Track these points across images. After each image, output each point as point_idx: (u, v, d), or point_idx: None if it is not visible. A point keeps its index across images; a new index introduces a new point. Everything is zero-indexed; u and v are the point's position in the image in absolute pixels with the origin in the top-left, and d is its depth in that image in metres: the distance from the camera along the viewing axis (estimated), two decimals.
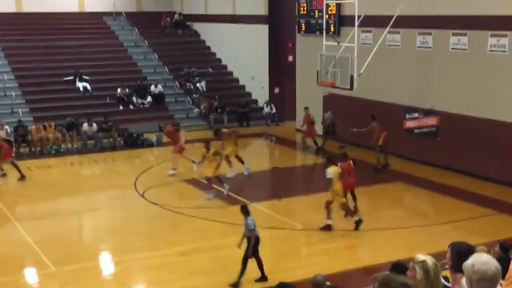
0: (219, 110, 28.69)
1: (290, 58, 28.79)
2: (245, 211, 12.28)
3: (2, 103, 26.83)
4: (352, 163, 15.77)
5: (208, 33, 34.09)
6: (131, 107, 28.59)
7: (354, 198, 15.95)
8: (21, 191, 19.54)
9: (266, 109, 29.37)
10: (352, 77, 19.42)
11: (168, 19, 35.00)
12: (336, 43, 21.00)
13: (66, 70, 29.30)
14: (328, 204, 14.84)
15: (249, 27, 30.43)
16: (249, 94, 31.32)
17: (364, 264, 13.31)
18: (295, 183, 20.83)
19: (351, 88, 19.67)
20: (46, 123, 24.64)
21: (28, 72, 29.14)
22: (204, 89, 30.46)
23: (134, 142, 24.72)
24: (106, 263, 14.03)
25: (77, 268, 13.09)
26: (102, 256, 14.30)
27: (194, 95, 30.09)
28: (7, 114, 26.17)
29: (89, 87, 28.75)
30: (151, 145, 24.99)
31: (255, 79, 30.67)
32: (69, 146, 24.62)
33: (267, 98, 29.72)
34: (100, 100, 28.40)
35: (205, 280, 12.27)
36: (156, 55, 32.52)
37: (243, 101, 29.86)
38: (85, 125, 24.83)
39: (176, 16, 35.27)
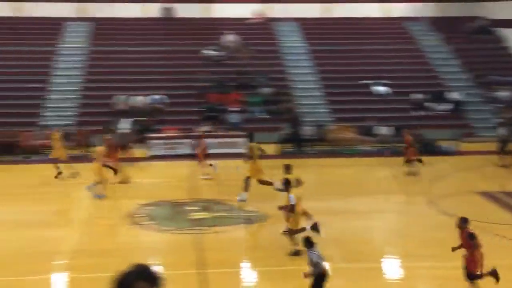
0: None
1: None
2: (307, 243, 10.94)
3: (305, 102, 28.67)
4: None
5: None
6: (427, 113, 28.22)
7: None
8: (316, 188, 20.62)
9: None
10: None
11: (473, 23, 33.68)
12: None
13: (366, 74, 30.09)
14: None
15: None
16: None
17: None
18: None
19: None
20: (344, 124, 25.67)
21: (331, 75, 30.59)
22: (508, 99, 28.66)
23: (429, 149, 24.36)
24: (392, 267, 14.10)
25: (363, 267, 13.39)
26: (388, 259, 14.40)
27: (496, 105, 28.49)
28: (308, 113, 27.90)
29: (387, 91, 29.17)
30: (447, 153, 24.38)
31: None
32: (364, 148, 25.30)
33: None
34: (397, 105, 28.59)
35: None
36: (458, 61, 31.58)
37: None
38: (382, 128, 25.32)
39: (481, 21, 33.76)
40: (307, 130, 25.53)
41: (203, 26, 33.74)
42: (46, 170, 20.37)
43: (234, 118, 26.57)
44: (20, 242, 14.71)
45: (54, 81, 29.19)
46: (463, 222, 11.65)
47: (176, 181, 21.03)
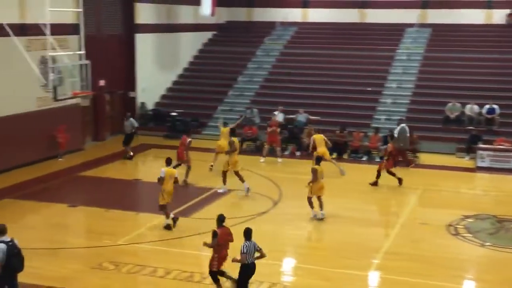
0: None
1: None
2: (244, 234, 11.14)
3: None
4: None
5: None
6: None
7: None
8: None
9: None
10: None
11: None
12: None
13: None
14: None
15: None
16: None
17: None
18: None
19: None
20: None
21: None
22: None
23: None
24: None
25: None
26: None
27: None
28: None
29: None
30: None
31: None
32: None
33: None
34: None
35: None
36: None
37: None
38: None
39: None
40: None
41: None
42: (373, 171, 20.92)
43: None
44: (344, 236, 15.69)
45: (387, 85, 30.06)
46: (218, 220, 11.81)
47: (503, 196, 20.02)
